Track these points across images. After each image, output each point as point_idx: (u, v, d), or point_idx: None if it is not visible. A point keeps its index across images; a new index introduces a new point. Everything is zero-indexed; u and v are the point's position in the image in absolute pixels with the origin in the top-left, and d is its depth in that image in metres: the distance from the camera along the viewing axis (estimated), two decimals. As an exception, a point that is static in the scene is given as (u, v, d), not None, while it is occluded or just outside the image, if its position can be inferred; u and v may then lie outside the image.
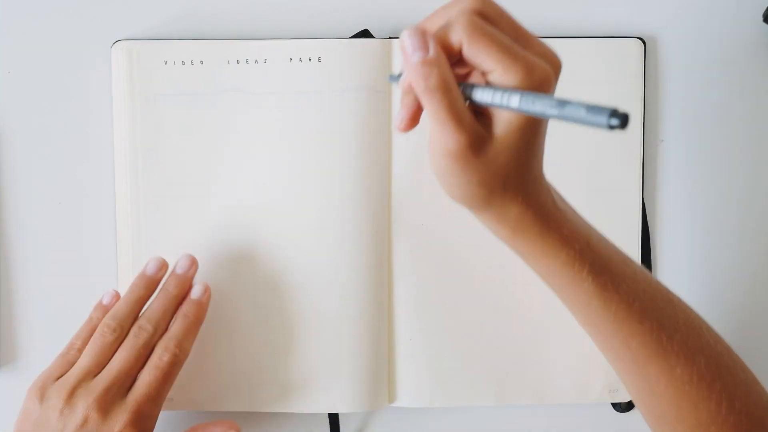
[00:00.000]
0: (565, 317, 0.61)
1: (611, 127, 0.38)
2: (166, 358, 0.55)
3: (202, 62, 0.59)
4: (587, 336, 0.61)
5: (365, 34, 0.60)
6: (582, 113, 0.39)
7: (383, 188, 0.60)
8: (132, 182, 0.59)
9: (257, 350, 0.60)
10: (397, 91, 0.59)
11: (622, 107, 0.38)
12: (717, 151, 0.63)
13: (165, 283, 0.58)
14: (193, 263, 0.58)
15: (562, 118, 0.40)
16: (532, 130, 0.44)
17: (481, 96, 0.42)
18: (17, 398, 0.57)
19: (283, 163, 0.59)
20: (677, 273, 0.63)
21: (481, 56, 0.42)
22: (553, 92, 0.44)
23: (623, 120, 0.38)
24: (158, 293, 0.57)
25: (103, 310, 0.58)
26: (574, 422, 0.64)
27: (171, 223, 0.60)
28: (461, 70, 0.44)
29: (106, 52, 0.60)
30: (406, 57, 0.42)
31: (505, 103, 0.41)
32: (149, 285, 0.58)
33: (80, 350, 0.56)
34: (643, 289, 0.48)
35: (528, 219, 0.47)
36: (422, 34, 0.42)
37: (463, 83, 0.43)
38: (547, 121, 0.45)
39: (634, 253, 0.61)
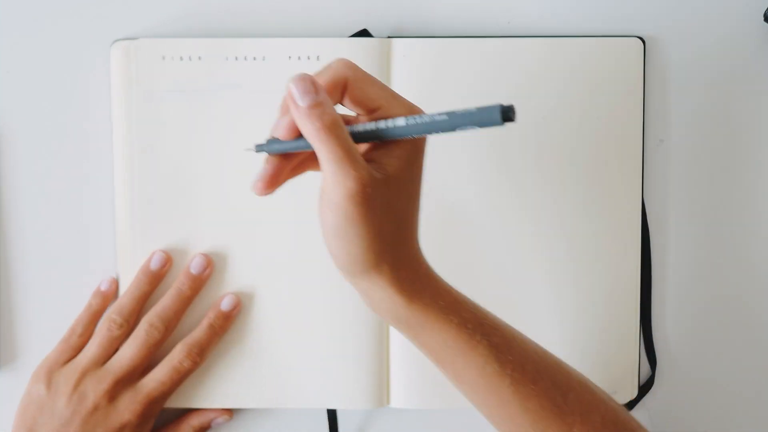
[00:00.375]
0: (560, 321, 0.61)
1: (504, 121, 0.40)
2: (186, 364, 0.57)
3: (200, 58, 0.59)
4: (584, 339, 0.61)
5: (364, 33, 0.60)
6: (473, 118, 0.41)
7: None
8: (131, 179, 0.59)
9: (256, 346, 0.60)
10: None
11: (506, 101, 0.40)
12: (717, 151, 0.63)
13: (179, 281, 0.58)
14: (209, 265, 0.59)
15: (453, 125, 0.41)
16: (417, 163, 0.45)
17: (366, 128, 0.44)
18: (17, 399, 0.57)
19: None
20: (677, 273, 0.63)
21: (367, 92, 0.44)
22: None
23: (512, 112, 0.40)
24: (171, 292, 0.58)
25: (102, 296, 0.58)
26: (573, 423, 0.64)
27: (170, 220, 0.60)
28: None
29: (105, 52, 0.60)
30: (293, 104, 0.42)
31: (391, 124, 0.43)
32: (153, 280, 0.58)
33: (82, 336, 0.57)
34: (533, 349, 0.48)
35: (424, 279, 0.46)
36: (308, 80, 0.42)
37: (348, 126, 0.44)
38: (424, 154, 0.46)
39: (634, 253, 0.61)
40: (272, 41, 0.59)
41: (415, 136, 0.43)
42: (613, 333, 0.62)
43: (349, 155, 0.42)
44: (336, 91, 0.44)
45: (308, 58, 0.59)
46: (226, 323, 0.59)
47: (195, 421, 0.60)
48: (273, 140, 0.45)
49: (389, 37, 0.60)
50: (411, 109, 0.45)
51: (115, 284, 0.59)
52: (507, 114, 0.40)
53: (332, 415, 0.62)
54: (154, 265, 0.58)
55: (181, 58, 0.59)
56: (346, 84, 0.44)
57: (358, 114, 0.46)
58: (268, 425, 0.62)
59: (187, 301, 0.58)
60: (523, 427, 0.47)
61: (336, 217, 0.43)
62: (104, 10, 0.60)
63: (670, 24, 0.62)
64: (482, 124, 0.41)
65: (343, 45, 0.59)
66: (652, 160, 0.62)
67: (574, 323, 0.61)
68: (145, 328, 0.57)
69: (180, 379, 0.57)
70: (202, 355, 0.58)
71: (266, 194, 0.45)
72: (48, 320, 0.61)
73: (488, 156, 0.60)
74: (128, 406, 0.55)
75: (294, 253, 0.60)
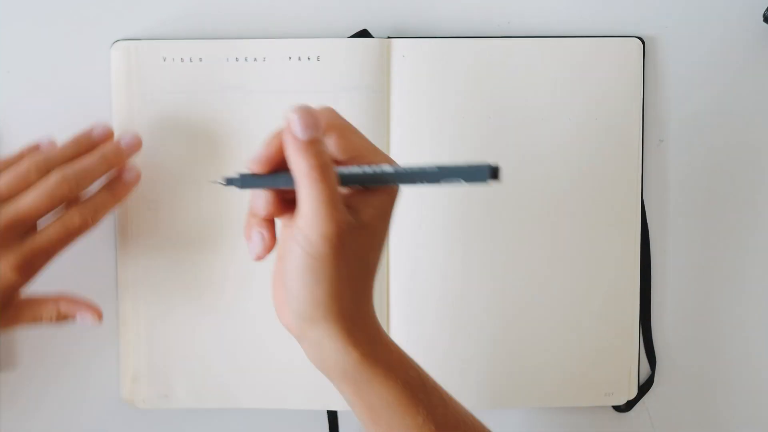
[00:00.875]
0: (560, 321, 0.61)
1: (490, 179, 0.41)
2: (77, 220, 0.54)
3: (201, 60, 0.59)
4: (583, 339, 0.61)
5: (364, 33, 0.60)
6: (459, 173, 0.42)
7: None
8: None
9: (257, 347, 0.60)
10: (396, 94, 0.59)
11: (494, 162, 0.41)
12: (717, 151, 0.63)
13: (104, 149, 0.56)
14: (138, 143, 0.57)
15: (439, 177, 0.42)
16: (387, 218, 0.46)
17: (352, 171, 0.44)
18: (18, 400, 0.57)
19: (282, 163, 0.59)
20: (677, 273, 0.63)
21: (352, 140, 0.44)
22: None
23: (498, 173, 0.41)
24: (95, 154, 0.55)
25: (36, 148, 0.56)
26: (574, 422, 0.64)
27: (169, 220, 0.60)
28: None
29: (105, 52, 0.60)
30: (291, 136, 0.41)
31: (378, 170, 0.43)
32: (88, 146, 0.56)
33: None
34: (464, 412, 0.48)
35: (376, 334, 0.46)
36: (313, 114, 0.42)
37: (338, 168, 0.44)
38: (392, 210, 0.46)
39: (634, 254, 0.61)
40: (272, 42, 0.59)
41: (399, 184, 0.44)
42: (612, 333, 0.62)
43: (333, 199, 0.42)
44: (328, 135, 0.44)
45: (308, 58, 0.59)
46: (126, 192, 0.56)
47: (63, 306, 0.56)
48: (248, 176, 0.45)
49: (389, 37, 0.60)
50: (389, 160, 0.45)
51: (54, 145, 0.57)
52: (494, 174, 0.41)
53: (333, 416, 0.62)
54: (96, 133, 0.57)
55: (182, 60, 0.59)
56: (335, 129, 0.44)
57: (338, 160, 0.45)
58: (269, 426, 0.62)
59: (105, 166, 0.55)
60: None
61: (307, 256, 0.42)
62: (104, 10, 0.60)
63: (669, 24, 0.62)
64: (469, 180, 0.41)
65: (343, 45, 0.59)
66: (652, 160, 0.62)
67: (573, 323, 0.61)
68: (56, 179, 0.53)
69: (68, 239, 0.54)
70: (95, 218, 0.55)
71: (263, 258, 0.46)
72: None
73: (487, 156, 0.60)
74: (8, 256, 0.52)
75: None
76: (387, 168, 0.43)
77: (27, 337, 0.61)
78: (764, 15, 0.61)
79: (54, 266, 0.61)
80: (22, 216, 0.52)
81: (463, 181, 0.42)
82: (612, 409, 0.64)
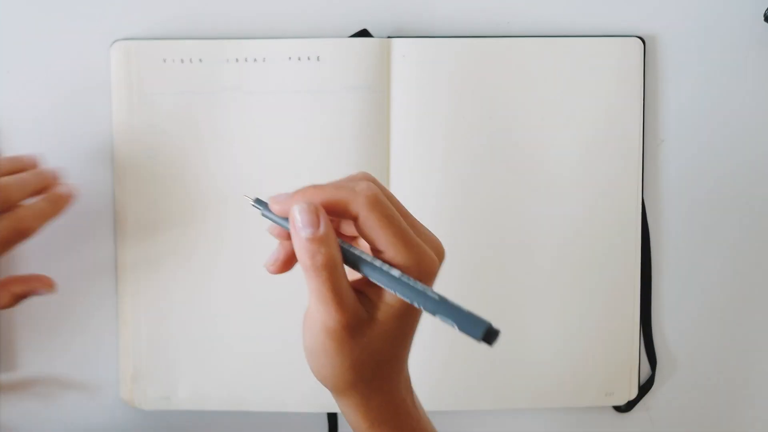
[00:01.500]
0: (560, 321, 0.61)
1: (482, 341, 0.39)
2: (20, 225, 0.53)
3: (200, 60, 0.59)
4: (584, 339, 0.61)
5: (364, 33, 0.60)
6: (457, 317, 0.40)
7: (382, 188, 0.60)
8: (131, 181, 0.59)
9: (256, 350, 0.60)
10: (396, 94, 0.59)
11: (495, 324, 0.39)
12: (717, 151, 0.63)
13: (39, 169, 0.56)
14: (73, 196, 0.57)
15: (436, 310, 0.40)
16: (411, 319, 0.44)
17: (363, 257, 0.41)
18: (18, 402, 0.57)
19: (281, 162, 0.59)
20: (676, 273, 0.63)
21: (375, 234, 0.41)
22: (433, 284, 0.43)
23: (494, 337, 0.39)
24: (30, 172, 0.55)
25: None
26: (574, 422, 0.64)
27: (169, 221, 0.60)
28: (349, 230, 0.44)
29: (105, 52, 0.60)
30: (295, 231, 0.40)
31: (386, 269, 0.41)
32: (20, 167, 0.56)
33: None
34: None
35: (389, 412, 0.45)
36: (314, 211, 0.41)
37: (349, 246, 0.42)
38: (421, 314, 0.44)
39: (634, 253, 0.61)
40: (272, 42, 0.59)
41: (395, 292, 0.41)
42: (613, 333, 0.62)
43: (335, 297, 0.41)
44: (346, 215, 0.42)
45: (308, 58, 0.59)
46: (63, 204, 0.56)
47: (17, 287, 0.56)
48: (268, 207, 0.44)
49: (389, 37, 0.60)
50: (418, 260, 0.42)
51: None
52: (489, 335, 0.39)
53: (332, 419, 0.62)
54: (27, 160, 0.56)
55: (182, 60, 0.59)
56: (356, 218, 0.41)
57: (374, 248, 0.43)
58: (269, 429, 0.62)
59: (39, 183, 0.55)
60: None
61: (312, 341, 0.42)
62: (104, 10, 0.60)
63: (669, 24, 0.62)
64: (462, 328, 0.40)
65: (343, 45, 0.59)
66: (652, 159, 0.62)
67: (574, 323, 0.61)
68: None
69: (10, 245, 0.53)
70: (37, 221, 0.54)
71: (279, 273, 0.44)
72: (48, 322, 0.61)
73: (488, 157, 0.60)
74: None
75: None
76: (394, 272, 0.41)
77: (27, 338, 0.61)
78: (765, 15, 0.61)
79: (54, 266, 0.61)
80: None
81: (456, 327, 0.40)
82: (612, 409, 0.64)
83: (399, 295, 0.41)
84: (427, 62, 0.59)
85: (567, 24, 0.61)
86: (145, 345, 0.60)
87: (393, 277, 0.41)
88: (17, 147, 0.60)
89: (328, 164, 0.59)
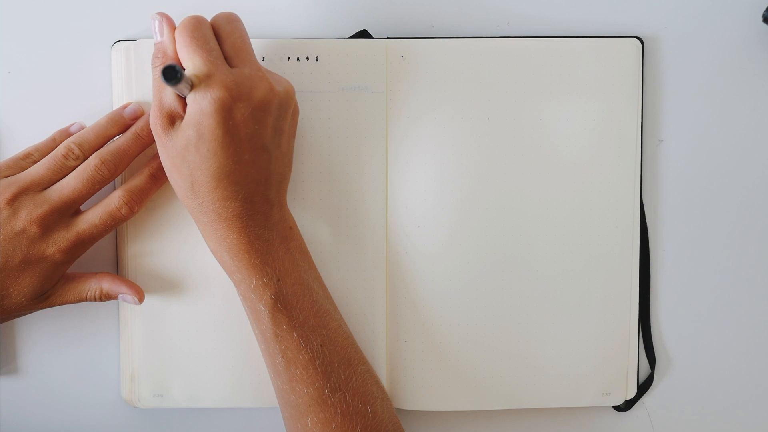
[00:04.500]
0: (560, 321, 0.61)
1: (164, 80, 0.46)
2: (124, 211, 0.55)
3: (199, 61, 0.59)
4: (583, 338, 0.62)
5: (363, 34, 0.60)
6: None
7: (380, 188, 0.60)
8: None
9: (253, 346, 0.60)
10: (395, 95, 0.59)
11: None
12: (716, 151, 0.63)
13: (137, 126, 0.57)
14: None
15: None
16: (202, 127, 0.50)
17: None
18: (18, 403, 0.57)
19: (281, 163, 0.60)
20: (675, 272, 0.63)
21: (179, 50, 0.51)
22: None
23: (172, 74, 0.46)
24: (128, 133, 0.57)
25: (68, 134, 0.58)
26: (574, 422, 0.64)
27: (168, 221, 0.60)
28: None
29: (106, 53, 0.60)
30: (154, 35, 0.53)
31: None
32: (120, 126, 0.57)
33: (35, 162, 0.56)
34: (320, 343, 0.52)
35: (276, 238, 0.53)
36: (167, 20, 0.53)
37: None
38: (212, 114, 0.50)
39: (634, 253, 0.61)
40: (271, 42, 0.59)
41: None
42: (612, 332, 0.62)
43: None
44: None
45: (307, 59, 0.59)
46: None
47: (106, 284, 0.58)
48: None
49: (388, 37, 0.60)
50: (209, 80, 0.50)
51: (83, 128, 0.58)
52: (167, 72, 0.47)
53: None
54: (128, 112, 0.57)
55: (181, 60, 0.59)
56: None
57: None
58: (269, 426, 0.62)
59: (141, 146, 0.57)
60: (287, 407, 0.53)
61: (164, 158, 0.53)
62: (105, 11, 0.60)
63: (668, 24, 0.62)
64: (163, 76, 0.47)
65: (342, 45, 0.59)
66: (651, 160, 0.62)
67: (573, 322, 0.61)
68: (95, 162, 0.55)
69: (114, 225, 0.56)
70: (140, 203, 0.56)
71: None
72: (47, 323, 0.61)
73: (486, 157, 0.60)
74: (55, 241, 0.54)
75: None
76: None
77: (27, 338, 0.61)
78: (764, 15, 0.61)
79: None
80: (67, 201, 0.54)
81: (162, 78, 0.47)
82: (612, 408, 0.64)
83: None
84: (427, 62, 0.59)
85: (566, 24, 0.61)
86: (142, 343, 0.60)
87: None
88: (17, 147, 0.60)
89: (326, 164, 0.59)
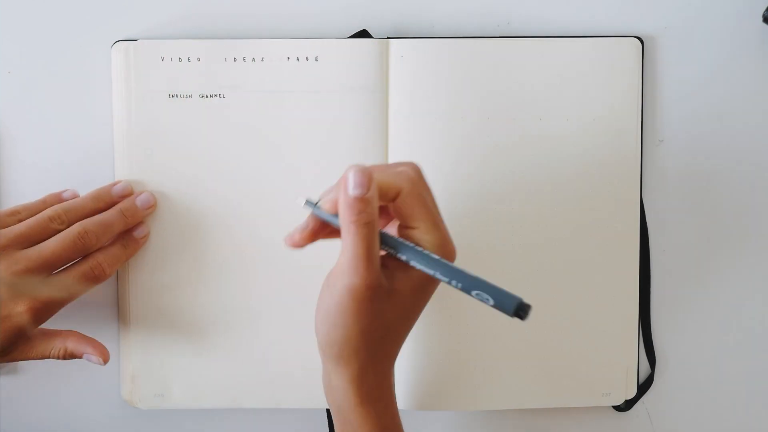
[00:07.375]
0: (559, 320, 0.61)
1: (515, 316, 0.43)
2: (96, 274, 0.56)
3: (199, 59, 0.59)
4: (583, 338, 0.62)
5: (363, 34, 0.60)
6: (492, 292, 0.44)
7: (381, 188, 0.60)
8: (131, 181, 0.59)
9: (257, 347, 0.60)
10: (395, 95, 0.59)
11: (527, 300, 0.43)
12: (716, 151, 0.63)
13: (123, 205, 0.58)
14: (153, 204, 0.59)
15: (470, 287, 0.45)
16: (424, 294, 0.48)
17: (394, 240, 0.46)
18: (18, 403, 0.57)
19: (280, 162, 0.60)
20: (676, 272, 0.63)
21: (413, 210, 0.47)
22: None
23: (526, 311, 0.43)
24: (114, 211, 0.57)
25: (59, 198, 0.58)
26: (574, 422, 0.64)
27: (169, 220, 0.60)
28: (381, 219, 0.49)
29: (106, 53, 0.60)
30: (344, 190, 0.45)
31: (418, 250, 0.46)
32: (108, 202, 0.58)
33: (21, 221, 0.55)
34: None
35: (380, 390, 0.49)
36: (366, 174, 0.45)
37: (382, 231, 0.47)
38: (433, 292, 0.49)
39: (634, 253, 0.61)
40: (271, 42, 0.59)
41: (433, 274, 0.45)
42: (612, 332, 0.62)
43: (367, 257, 0.45)
44: (387, 195, 0.46)
45: (307, 59, 0.59)
46: (136, 248, 0.59)
47: (71, 344, 0.56)
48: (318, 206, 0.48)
49: (388, 37, 0.60)
50: (444, 243, 0.47)
51: (75, 197, 0.58)
52: (521, 309, 0.43)
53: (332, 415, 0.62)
54: (116, 191, 0.58)
55: (180, 59, 0.59)
56: (398, 194, 0.46)
57: (404, 225, 0.48)
58: (269, 425, 0.62)
59: (123, 224, 0.57)
60: None
61: (331, 301, 0.46)
62: (105, 11, 0.60)
63: (668, 24, 0.62)
64: (498, 304, 0.44)
65: (342, 45, 0.59)
66: (651, 160, 0.62)
67: (573, 322, 0.61)
68: (79, 230, 0.55)
69: (85, 289, 0.56)
70: (111, 269, 0.56)
71: (297, 248, 0.49)
72: (47, 323, 0.61)
73: (486, 157, 0.60)
74: (25, 300, 0.53)
75: (295, 253, 0.60)
76: (433, 255, 0.45)
77: (27, 337, 0.61)
78: (764, 15, 0.61)
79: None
80: (45, 261, 0.54)
81: (491, 301, 0.44)
82: (612, 408, 0.64)
83: (439, 276, 0.45)
84: (426, 63, 0.59)
85: (566, 24, 0.61)
86: (142, 343, 0.60)
87: (431, 257, 0.45)
88: (17, 147, 0.60)
89: (327, 164, 0.59)
